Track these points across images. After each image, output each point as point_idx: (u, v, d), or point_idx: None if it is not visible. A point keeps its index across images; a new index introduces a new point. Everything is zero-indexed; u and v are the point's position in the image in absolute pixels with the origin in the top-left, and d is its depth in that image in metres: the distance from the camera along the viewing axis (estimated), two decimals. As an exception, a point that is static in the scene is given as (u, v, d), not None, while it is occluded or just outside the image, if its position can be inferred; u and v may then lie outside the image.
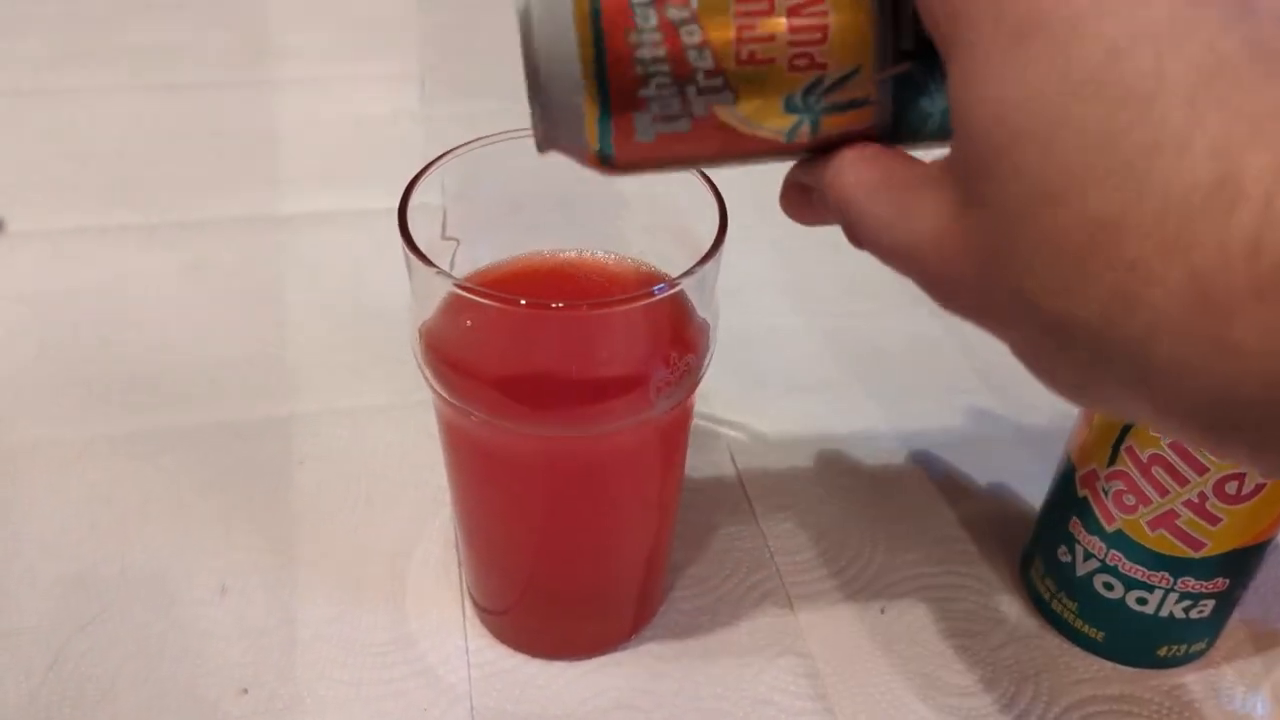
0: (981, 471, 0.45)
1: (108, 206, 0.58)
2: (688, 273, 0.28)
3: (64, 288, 0.53)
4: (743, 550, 0.42)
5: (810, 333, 0.52)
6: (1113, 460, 0.34)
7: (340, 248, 0.56)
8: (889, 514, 0.43)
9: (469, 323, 0.30)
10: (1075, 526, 0.36)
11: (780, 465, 0.45)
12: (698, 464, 0.45)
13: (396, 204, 0.29)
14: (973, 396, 0.49)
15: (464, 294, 0.27)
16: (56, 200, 0.59)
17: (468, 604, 0.39)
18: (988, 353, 0.51)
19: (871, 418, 0.48)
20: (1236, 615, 0.39)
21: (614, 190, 0.36)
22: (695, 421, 0.47)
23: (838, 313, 0.53)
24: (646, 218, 0.35)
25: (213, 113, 0.67)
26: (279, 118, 0.66)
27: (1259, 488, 0.32)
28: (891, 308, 0.53)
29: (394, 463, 0.44)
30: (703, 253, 0.29)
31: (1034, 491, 0.40)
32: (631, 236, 0.36)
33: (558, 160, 0.37)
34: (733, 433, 0.47)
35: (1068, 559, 0.37)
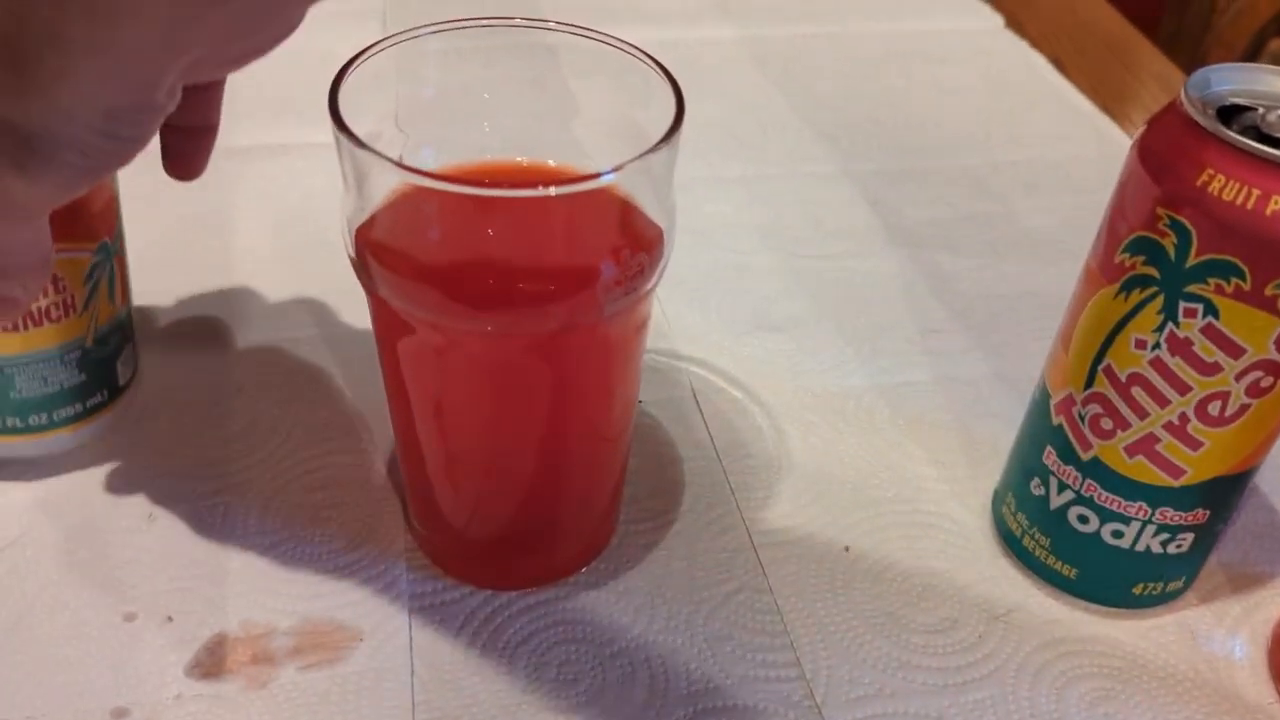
0: (953, 410, 0.44)
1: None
2: (636, 158, 0.26)
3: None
4: (702, 485, 0.40)
5: (780, 272, 0.50)
6: (1090, 382, 0.32)
7: (293, 179, 0.54)
8: (856, 451, 0.41)
9: (406, 215, 0.28)
10: (1049, 457, 0.34)
11: (744, 402, 0.43)
12: (658, 399, 0.43)
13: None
14: (945, 337, 0.47)
15: (391, 166, 0.25)
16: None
17: (410, 536, 0.37)
18: (961, 293, 0.50)
19: (841, 355, 0.46)
20: (1214, 559, 0.37)
21: (570, 97, 0.34)
22: (657, 357, 0.45)
23: (809, 254, 0.51)
24: (606, 128, 0.33)
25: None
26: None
27: (1243, 409, 0.30)
28: (864, 249, 0.51)
29: (336, 391, 0.42)
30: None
31: (1006, 431, 0.38)
32: (590, 147, 0.34)
33: (514, 62, 0.35)
34: (696, 369, 0.45)
35: (1041, 492, 0.35)
